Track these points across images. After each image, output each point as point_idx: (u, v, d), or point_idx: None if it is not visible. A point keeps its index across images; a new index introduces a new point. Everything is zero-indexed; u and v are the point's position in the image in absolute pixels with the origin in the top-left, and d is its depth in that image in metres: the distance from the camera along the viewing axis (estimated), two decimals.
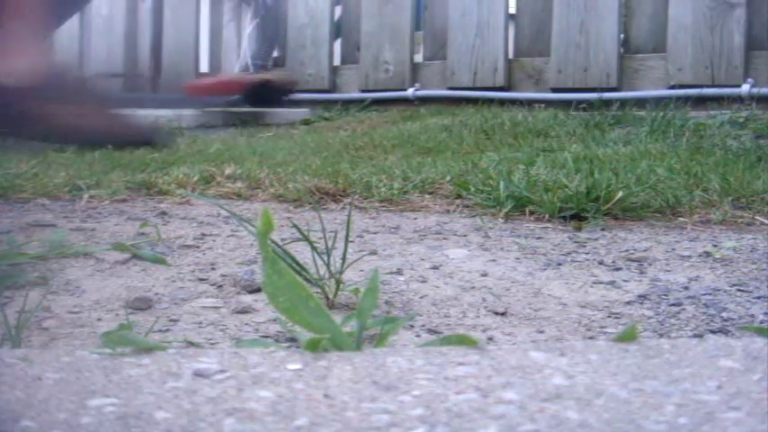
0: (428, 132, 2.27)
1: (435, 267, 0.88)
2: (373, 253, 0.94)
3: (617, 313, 0.72)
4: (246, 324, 0.68)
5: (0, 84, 1.77)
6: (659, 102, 2.46)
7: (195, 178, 1.45)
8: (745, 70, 2.41)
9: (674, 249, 0.98)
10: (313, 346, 0.47)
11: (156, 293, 0.76)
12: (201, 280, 0.82)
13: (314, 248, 0.74)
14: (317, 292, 0.70)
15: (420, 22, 3.08)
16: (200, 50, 3.58)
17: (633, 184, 1.23)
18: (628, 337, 0.49)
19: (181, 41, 3.58)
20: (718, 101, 2.41)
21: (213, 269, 0.86)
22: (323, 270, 0.73)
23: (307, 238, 0.74)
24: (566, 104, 2.65)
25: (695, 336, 0.66)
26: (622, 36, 2.64)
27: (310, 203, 1.27)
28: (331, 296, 0.72)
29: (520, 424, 0.36)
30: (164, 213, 1.21)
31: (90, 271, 0.84)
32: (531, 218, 1.18)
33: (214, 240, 1.01)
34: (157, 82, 3.64)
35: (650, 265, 0.90)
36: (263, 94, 3.04)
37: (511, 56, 2.84)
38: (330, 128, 2.70)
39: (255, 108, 3.08)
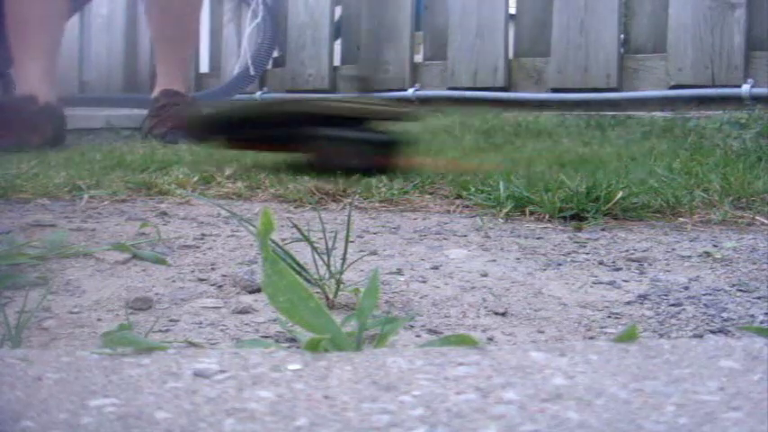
0: (428, 132, 2.27)
1: (435, 267, 0.88)
2: (373, 253, 0.94)
3: (617, 313, 0.72)
4: (246, 324, 0.68)
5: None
6: (659, 102, 2.46)
7: (195, 178, 1.45)
8: (745, 70, 2.41)
9: (674, 249, 0.98)
10: (313, 347, 0.47)
11: (157, 294, 0.76)
12: (202, 280, 0.82)
13: (314, 249, 0.74)
14: (318, 293, 0.70)
15: (420, 22, 3.08)
16: (200, 50, 3.58)
17: (633, 185, 1.23)
18: (628, 337, 0.49)
19: None
20: (718, 101, 2.41)
21: (213, 269, 0.86)
22: (323, 270, 0.73)
23: (307, 239, 0.74)
24: (566, 105, 2.65)
25: (695, 336, 0.66)
26: (622, 36, 2.64)
27: (310, 204, 1.27)
28: (331, 296, 0.72)
29: (520, 424, 0.36)
30: (164, 213, 1.21)
31: (90, 271, 0.84)
32: (531, 218, 1.18)
33: (214, 240, 1.01)
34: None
35: (650, 265, 0.90)
36: None
37: (511, 56, 2.84)
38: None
39: None
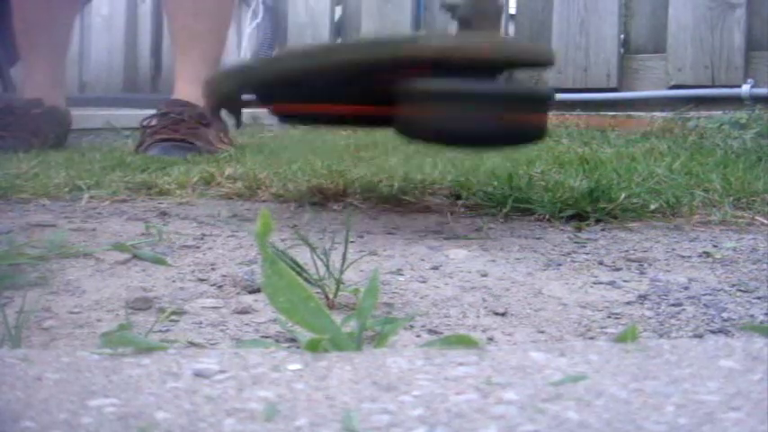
0: None
1: (435, 267, 0.88)
2: (373, 253, 0.94)
3: (617, 313, 0.72)
4: (247, 324, 0.68)
5: None
6: (659, 102, 2.47)
7: (195, 178, 1.45)
8: (745, 70, 2.41)
9: (674, 249, 0.98)
10: (313, 347, 0.47)
11: (157, 294, 0.77)
12: (202, 280, 0.82)
13: (313, 249, 0.74)
14: (317, 293, 0.70)
15: (420, 22, 3.08)
16: None
17: (634, 185, 1.23)
18: (628, 337, 0.49)
19: None
20: (718, 101, 2.41)
21: (213, 269, 0.86)
22: (323, 270, 0.73)
23: (305, 240, 0.74)
24: (566, 105, 2.65)
25: (695, 336, 0.66)
26: (622, 36, 2.64)
27: (311, 203, 1.27)
28: (331, 296, 0.72)
29: (520, 424, 0.36)
30: (164, 213, 1.21)
31: (90, 271, 0.85)
32: (531, 218, 1.18)
33: (214, 240, 1.01)
34: (157, 82, 3.64)
35: (650, 265, 0.90)
36: None
37: None
38: (331, 128, 2.70)
39: None
